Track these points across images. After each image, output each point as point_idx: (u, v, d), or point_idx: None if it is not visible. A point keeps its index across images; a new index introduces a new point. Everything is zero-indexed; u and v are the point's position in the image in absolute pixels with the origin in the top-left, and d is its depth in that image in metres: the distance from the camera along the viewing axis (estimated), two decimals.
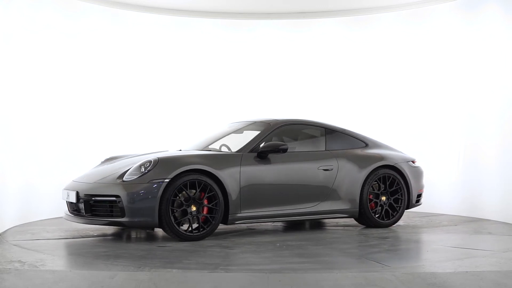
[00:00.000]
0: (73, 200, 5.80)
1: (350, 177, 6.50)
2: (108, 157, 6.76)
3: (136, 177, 5.55)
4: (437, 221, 7.29)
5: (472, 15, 7.91)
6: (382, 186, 6.67)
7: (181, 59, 9.04)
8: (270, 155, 6.16)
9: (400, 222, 6.99)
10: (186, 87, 9.06)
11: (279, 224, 7.00)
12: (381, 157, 6.72)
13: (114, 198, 5.49)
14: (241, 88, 9.15)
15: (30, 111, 7.23)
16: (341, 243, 5.65)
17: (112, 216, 5.53)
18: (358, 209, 6.50)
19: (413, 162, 7.01)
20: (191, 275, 4.07)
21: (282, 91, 9.16)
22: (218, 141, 6.80)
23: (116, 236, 5.97)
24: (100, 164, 6.60)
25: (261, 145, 6.17)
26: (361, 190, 6.52)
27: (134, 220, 5.43)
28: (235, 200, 5.82)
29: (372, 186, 6.58)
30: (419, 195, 7.04)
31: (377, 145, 6.99)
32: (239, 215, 5.88)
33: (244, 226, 6.75)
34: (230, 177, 5.81)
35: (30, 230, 6.36)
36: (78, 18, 8.08)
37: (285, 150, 6.14)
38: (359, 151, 6.75)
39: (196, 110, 9.03)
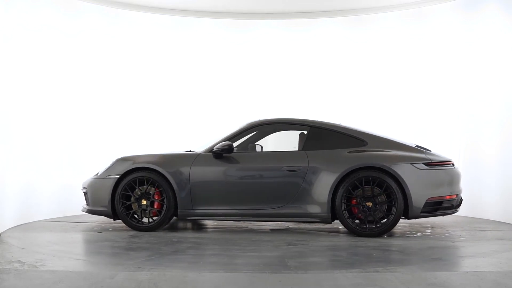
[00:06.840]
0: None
1: (321, 179, 5.98)
2: None
3: (101, 172, 6.45)
4: (436, 221, 7.29)
5: (472, 15, 7.92)
6: (379, 190, 5.88)
7: (181, 59, 9.04)
8: (234, 155, 6.27)
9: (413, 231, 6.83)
10: (186, 87, 9.06)
11: (287, 224, 7.00)
12: (360, 158, 5.97)
13: (85, 190, 6.54)
14: (242, 87, 9.15)
15: (30, 111, 7.23)
16: (235, 245, 5.40)
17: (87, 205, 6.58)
18: (329, 214, 5.95)
19: (426, 164, 5.98)
20: (191, 275, 4.07)
21: (283, 90, 9.16)
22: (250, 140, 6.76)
23: (117, 236, 5.97)
24: None
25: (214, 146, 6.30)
26: (333, 194, 5.93)
27: (94, 209, 6.41)
28: (185, 197, 6.20)
29: (348, 189, 5.87)
30: (436, 203, 5.97)
31: (380, 144, 6.17)
32: (190, 211, 6.21)
33: (243, 224, 6.76)
34: (180, 175, 6.21)
35: (30, 230, 6.37)
36: (78, 17, 8.09)
37: (229, 151, 6.21)
38: (342, 151, 6.10)
39: (196, 110, 9.02)
